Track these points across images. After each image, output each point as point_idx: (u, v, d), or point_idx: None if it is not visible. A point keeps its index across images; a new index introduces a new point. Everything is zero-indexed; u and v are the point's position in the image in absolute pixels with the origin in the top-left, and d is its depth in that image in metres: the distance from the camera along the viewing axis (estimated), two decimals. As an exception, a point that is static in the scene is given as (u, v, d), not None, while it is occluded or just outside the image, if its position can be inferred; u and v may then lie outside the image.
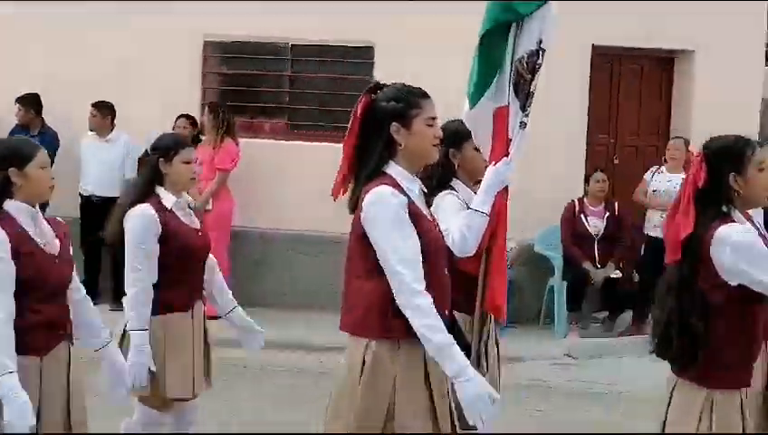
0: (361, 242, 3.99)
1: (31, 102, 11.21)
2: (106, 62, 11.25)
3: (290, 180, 10.96)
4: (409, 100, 4.07)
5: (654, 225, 10.43)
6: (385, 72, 11.05)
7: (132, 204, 5.39)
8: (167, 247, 5.35)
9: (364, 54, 11.25)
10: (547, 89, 10.56)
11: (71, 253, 4.72)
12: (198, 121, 11.05)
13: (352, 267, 4.07)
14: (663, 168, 10.63)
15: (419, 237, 3.96)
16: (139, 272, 5.32)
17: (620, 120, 11.79)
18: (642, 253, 10.65)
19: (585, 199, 10.59)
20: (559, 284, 10.35)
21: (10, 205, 4.48)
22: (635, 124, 11.88)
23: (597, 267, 10.32)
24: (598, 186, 10.53)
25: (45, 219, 4.65)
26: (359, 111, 4.07)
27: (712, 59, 11.29)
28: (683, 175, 9.77)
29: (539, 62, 4.87)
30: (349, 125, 4.10)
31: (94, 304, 11.01)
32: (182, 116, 10.96)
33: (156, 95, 11.21)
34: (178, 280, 5.40)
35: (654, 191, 10.50)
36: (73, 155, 11.12)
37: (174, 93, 11.24)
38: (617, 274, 10.39)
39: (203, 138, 10.94)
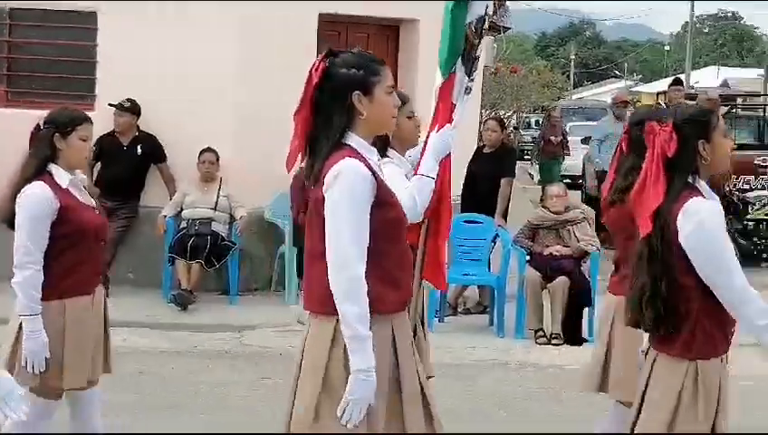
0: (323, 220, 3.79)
1: None
2: None
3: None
4: (371, 67, 3.90)
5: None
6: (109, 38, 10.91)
7: (25, 181, 4.95)
8: (64, 228, 4.98)
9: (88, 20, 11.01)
10: (277, 56, 10.77)
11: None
12: None
13: (314, 246, 3.86)
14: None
15: (389, 209, 3.85)
16: (33, 255, 4.90)
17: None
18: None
19: (314, 168, 10.67)
20: (289, 250, 10.43)
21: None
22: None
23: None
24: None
25: None
26: (315, 79, 3.85)
27: (435, 27, 11.58)
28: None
29: (485, 27, 4.84)
30: (302, 94, 3.87)
31: None
32: None
33: None
34: (79, 262, 5.05)
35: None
36: None
37: None
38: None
39: None
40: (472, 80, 4.94)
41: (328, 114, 3.86)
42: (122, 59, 10.73)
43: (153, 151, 10.82)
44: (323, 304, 3.82)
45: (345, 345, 3.76)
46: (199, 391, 7.75)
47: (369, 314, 3.73)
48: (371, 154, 3.91)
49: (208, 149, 10.62)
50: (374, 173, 3.82)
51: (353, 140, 3.86)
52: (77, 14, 11.09)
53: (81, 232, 5.06)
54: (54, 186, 4.99)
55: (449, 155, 4.87)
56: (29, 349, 4.91)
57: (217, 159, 10.64)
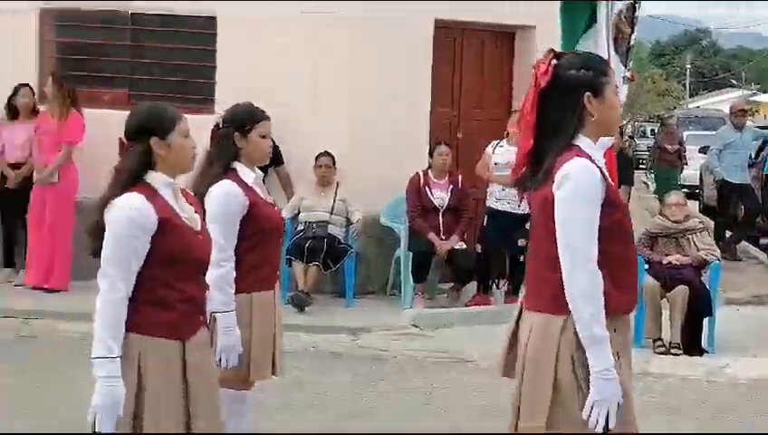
0: (553, 221, 3.73)
1: None
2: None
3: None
4: (599, 67, 3.84)
5: (496, 197, 10.63)
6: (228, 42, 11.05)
7: (214, 179, 4.97)
8: (251, 225, 5.01)
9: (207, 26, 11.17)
10: (392, 63, 10.83)
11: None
12: (36, 92, 10.79)
13: (539, 244, 3.84)
14: (504, 141, 10.80)
15: (615, 211, 3.77)
16: (226, 251, 4.91)
17: (464, 95, 11.93)
18: (484, 224, 10.83)
19: (429, 172, 10.72)
20: (404, 255, 10.45)
21: (152, 177, 4.06)
22: (478, 98, 12.03)
23: (441, 238, 10.46)
24: (441, 159, 10.66)
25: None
26: (542, 83, 3.78)
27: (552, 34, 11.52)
28: (524, 148, 9.98)
29: (636, 15, 4.81)
30: (529, 97, 3.80)
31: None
32: (24, 85, 10.70)
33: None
34: (264, 258, 5.12)
35: (496, 164, 10.67)
36: None
37: (11, 61, 10.95)
38: (461, 245, 10.56)
39: (41, 108, 10.70)
40: (629, 69, 4.86)
41: (558, 117, 3.79)
42: (240, 63, 10.86)
43: (271, 155, 10.89)
44: (551, 302, 3.77)
45: (574, 345, 3.72)
46: (312, 392, 7.78)
47: (604, 315, 3.68)
48: (598, 155, 3.83)
49: (325, 153, 10.70)
50: (603, 173, 3.76)
51: (582, 141, 3.80)
52: (197, 19, 11.26)
53: (265, 229, 5.10)
54: (241, 183, 5.02)
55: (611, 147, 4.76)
56: (224, 344, 4.94)
57: (334, 163, 10.71)
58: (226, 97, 10.82)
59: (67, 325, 9.26)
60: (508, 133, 10.76)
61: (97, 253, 3.98)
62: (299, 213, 10.65)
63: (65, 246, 10.38)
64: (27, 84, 10.74)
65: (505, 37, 12.06)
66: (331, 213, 10.60)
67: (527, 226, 10.42)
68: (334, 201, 10.63)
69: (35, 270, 10.48)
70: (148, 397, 3.94)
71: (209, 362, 4.29)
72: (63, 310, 9.64)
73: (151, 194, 4.01)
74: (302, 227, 10.58)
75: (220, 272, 4.86)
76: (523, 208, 10.39)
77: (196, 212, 4.24)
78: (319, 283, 10.39)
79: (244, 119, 5.09)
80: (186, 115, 4.18)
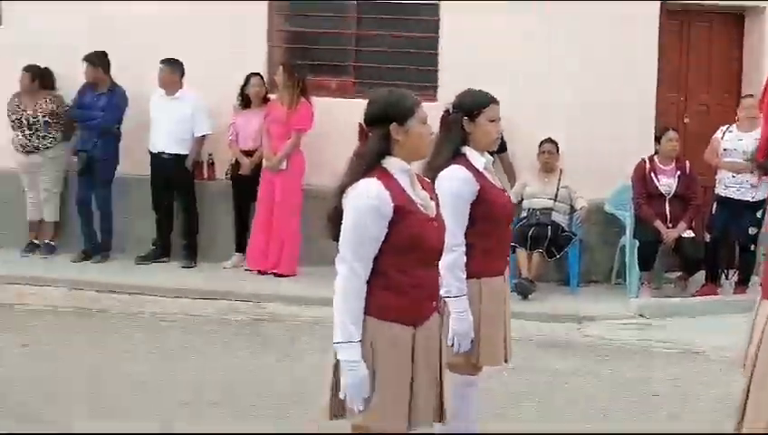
0: None
1: (98, 60, 11.22)
2: (173, 22, 11.30)
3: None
4: None
5: (725, 185, 10.34)
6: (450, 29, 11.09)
7: (445, 163, 5.01)
8: (481, 209, 5.02)
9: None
10: (617, 48, 10.67)
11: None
12: (265, 80, 11.08)
13: None
14: (734, 126, 10.49)
15: None
16: (457, 237, 4.89)
17: (691, 79, 11.67)
18: (713, 212, 10.56)
19: (656, 158, 10.51)
20: (630, 243, 10.30)
21: (389, 162, 4.15)
22: (705, 83, 11.75)
23: (668, 226, 10.26)
24: (670, 145, 10.44)
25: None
26: None
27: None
28: (755, 134, 9.68)
29: None
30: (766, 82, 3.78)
31: (166, 261, 11.27)
32: (255, 75, 10.99)
33: (223, 53, 11.24)
34: (494, 243, 5.13)
35: (725, 150, 10.38)
36: (144, 113, 11.17)
37: (241, 50, 11.26)
38: (689, 233, 10.33)
39: (271, 97, 10.97)
40: None
41: None
42: (463, 50, 10.88)
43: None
44: None
45: None
46: (533, 380, 7.74)
47: None
48: None
49: (548, 140, 10.63)
50: None
51: None
52: (421, 6, 11.34)
53: (495, 213, 5.09)
54: (471, 168, 5.03)
55: None
56: (456, 329, 4.95)
57: (557, 150, 10.64)
58: (449, 84, 10.94)
59: (297, 309, 9.53)
60: (738, 118, 10.45)
61: (336, 238, 4.07)
62: (522, 200, 10.63)
63: (293, 232, 10.66)
64: (258, 73, 11.03)
65: (734, 19, 11.71)
66: (555, 200, 10.54)
67: (758, 214, 10.17)
68: (558, 188, 10.56)
69: (264, 255, 10.77)
70: (378, 381, 4.03)
71: (437, 348, 4.31)
72: (294, 294, 9.92)
73: (388, 180, 4.07)
74: (526, 214, 10.56)
75: (452, 257, 4.86)
76: (754, 196, 10.11)
77: (431, 199, 4.27)
78: (542, 270, 10.35)
79: (473, 103, 5.10)
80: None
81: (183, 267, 10.98)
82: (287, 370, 7.77)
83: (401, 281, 4.07)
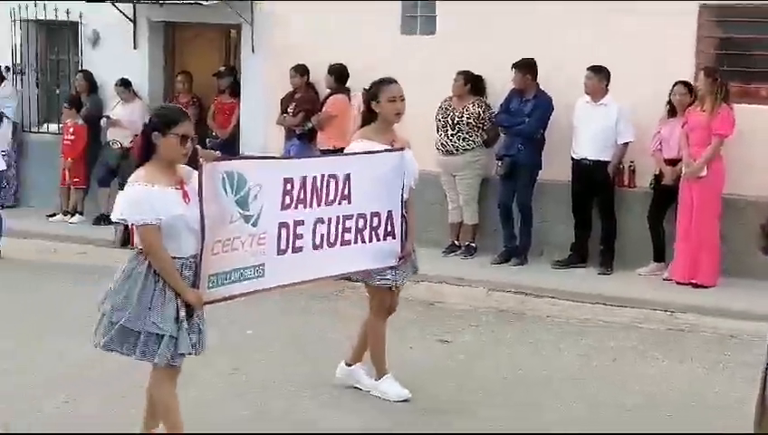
0: None
1: (526, 67, 11.48)
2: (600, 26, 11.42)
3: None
4: None
5: None
6: None
7: None
8: None
9: None
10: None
11: None
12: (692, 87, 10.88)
13: None
14: None
15: None
16: None
17: None
18: None
19: None
20: None
21: None
22: None
23: None
24: None
25: None
26: None
27: None
28: None
29: None
30: None
31: (583, 267, 11.29)
32: (680, 83, 10.87)
33: (648, 60, 11.17)
34: None
35: None
36: (568, 119, 11.33)
37: (666, 58, 11.12)
38: None
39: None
40: None
41: None
42: None
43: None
44: None
45: None
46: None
47: None
48: None
49: None
50: None
51: None
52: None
53: None
54: None
55: None
56: None
57: None
58: None
59: (714, 321, 9.31)
60: None
61: (766, 251, 3.88)
62: None
63: (712, 241, 10.42)
64: (683, 81, 10.87)
65: None
66: None
67: None
68: None
69: (682, 265, 10.59)
70: None
71: None
72: (710, 305, 9.69)
73: None
74: None
75: None
76: None
77: None
78: None
79: None
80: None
81: (600, 274, 11.00)
82: (704, 381, 7.66)
83: None
